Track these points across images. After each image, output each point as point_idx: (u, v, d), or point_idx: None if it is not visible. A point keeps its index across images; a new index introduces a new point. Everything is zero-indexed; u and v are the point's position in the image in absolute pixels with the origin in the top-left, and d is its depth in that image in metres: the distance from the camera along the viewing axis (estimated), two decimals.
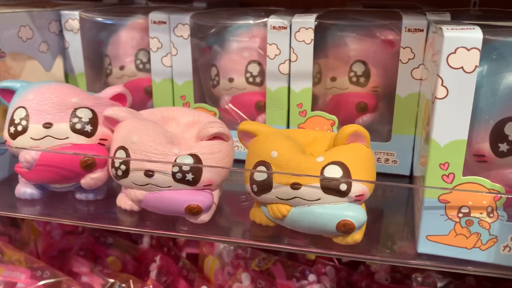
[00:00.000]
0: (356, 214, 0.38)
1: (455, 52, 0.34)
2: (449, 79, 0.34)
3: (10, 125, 0.45)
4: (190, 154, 0.41)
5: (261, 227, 0.44)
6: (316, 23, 0.51)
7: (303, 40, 0.52)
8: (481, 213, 0.36)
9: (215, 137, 0.43)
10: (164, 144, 0.41)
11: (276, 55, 0.53)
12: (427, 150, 0.37)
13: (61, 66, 0.60)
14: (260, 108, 0.57)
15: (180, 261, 0.74)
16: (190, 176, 0.41)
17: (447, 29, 0.35)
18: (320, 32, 0.52)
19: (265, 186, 0.39)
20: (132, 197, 0.42)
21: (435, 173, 0.37)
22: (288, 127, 0.56)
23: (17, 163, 0.45)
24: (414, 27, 0.49)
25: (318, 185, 0.37)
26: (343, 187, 0.37)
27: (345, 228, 0.38)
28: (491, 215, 0.36)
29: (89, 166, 0.44)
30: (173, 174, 0.40)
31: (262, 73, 0.57)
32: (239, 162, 0.47)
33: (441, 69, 0.34)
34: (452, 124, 0.35)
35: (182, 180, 0.41)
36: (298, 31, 0.52)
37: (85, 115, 0.45)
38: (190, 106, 0.58)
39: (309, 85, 0.53)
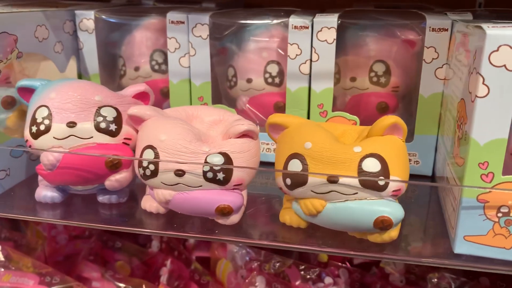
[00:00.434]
0: (394, 210, 0.37)
1: (497, 50, 0.33)
2: (491, 77, 0.34)
3: (31, 125, 0.43)
4: (220, 153, 0.40)
5: (289, 229, 0.43)
6: (339, 22, 0.51)
7: (325, 40, 0.51)
8: None
9: (244, 135, 0.42)
10: (194, 142, 0.40)
11: (297, 55, 0.53)
12: (465, 149, 0.37)
13: (74, 67, 0.59)
14: (279, 109, 0.56)
15: (191, 265, 0.73)
16: (221, 175, 0.40)
17: (488, 27, 0.34)
18: (339, 32, 0.52)
19: (300, 180, 0.38)
20: (160, 197, 0.41)
21: (474, 172, 0.36)
22: None
23: (37, 164, 0.44)
24: (438, 26, 0.49)
25: (356, 178, 0.37)
26: (381, 181, 0.37)
27: (383, 224, 0.37)
28: None
29: (114, 166, 0.42)
30: (204, 173, 0.40)
31: (281, 73, 0.56)
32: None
33: (482, 67, 0.34)
34: (492, 123, 0.35)
35: (213, 180, 0.40)
36: (320, 30, 0.51)
37: (110, 114, 0.44)
38: None
39: (331, 85, 0.53)
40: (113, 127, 0.43)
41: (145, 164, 0.40)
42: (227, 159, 0.40)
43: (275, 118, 0.43)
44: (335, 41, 0.51)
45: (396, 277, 0.69)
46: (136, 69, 0.60)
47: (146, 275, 0.74)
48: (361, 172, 0.37)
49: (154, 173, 0.40)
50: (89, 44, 0.59)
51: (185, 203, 0.41)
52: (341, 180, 0.37)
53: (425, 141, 0.53)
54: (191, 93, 0.58)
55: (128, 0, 0.75)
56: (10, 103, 0.49)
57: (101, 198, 0.46)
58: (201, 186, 0.40)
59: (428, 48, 0.50)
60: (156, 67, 0.60)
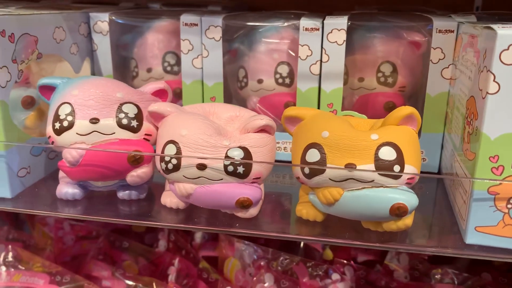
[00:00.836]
0: (409, 198, 0.38)
1: (508, 49, 0.35)
2: (502, 75, 0.36)
3: (55, 121, 0.44)
4: (240, 147, 0.42)
5: (306, 223, 0.44)
6: (348, 24, 0.53)
7: (335, 41, 0.53)
8: None
9: (261, 130, 0.43)
10: (214, 136, 0.42)
11: (307, 56, 0.55)
12: (476, 144, 0.39)
13: (88, 68, 0.60)
14: None
15: (199, 264, 0.74)
16: (241, 169, 0.41)
17: (498, 27, 0.36)
18: (348, 33, 0.54)
19: (318, 169, 0.40)
20: (182, 191, 0.42)
21: (485, 166, 0.38)
22: None
23: (55, 163, 0.45)
24: (445, 28, 0.51)
25: (373, 165, 0.38)
26: (396, 169, 0.38)
27: (399, 211, 0.38)
28: None
29: (136, 161, 0.44)
30: (225, 167, 0.41)
31: (291, 74, 0.58)
32: None
33: (493, 66, 0.36)
34: (503, 118, 0.37)
35: (233, 173, 0.41)
36: (331, 32, 0.53)
37: (131, 110, 0.45)
38: None
39: (340, 85, 0.55)
40: (134, 123, 0.45)
41: (167, 158, 0.42)
42: (247, 153, 0.42)
43: (291, 111, 0.44)
44: (345, 42, 0.53)
45: (400, 273, 0.71)
46: (149, 70, 0.62)
47: (153, 274, 0.75)
48: (377, 160, 0.38)
49: (177, 167, 0.41)
50: (103, 45, 0.60)
51: (206, 196, 0.42)
52: (359, 167, 0.38)
53: (432, 139, 0.55)
54: (204, 93, 0.59)
55: (136, 4, 0.77)
56: (30, 103, 0.50)
57: (121, 194, 0.47)
58: (221, 179, 0.42)
59: (435, 49, 0.52)
60: (168, 68, 0.62)
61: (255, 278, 0.68)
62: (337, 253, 0.74)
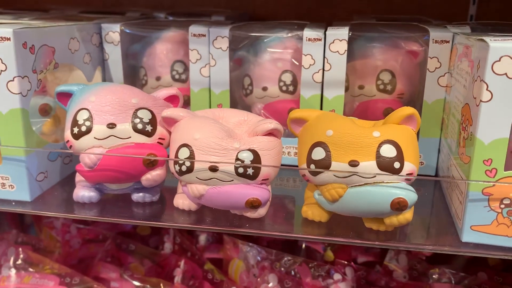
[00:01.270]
0: (408, 192, 0.41)
1: (499, 60, 0.38)
2: (494, 84, 0.39)
3: (73, 126, 0.46)
4: (250, 150, 0.44)
5: (310, 223, 0.47)
6: (350, 34, 0.55)
7: (337, 51, 0.56)
8: None
9: (269, 133, 0.46)
10: (226, 139, 0.44)
11: (310, 64, 0.57)
12: (471, 148, 0.41)
13: (99, 77, 0.63)
14: None
15: (204, 265, 0.76)
16: (250, 170, 0.43)
17: (491, 40, 0.39)
18: (349, 43, 0.56)
19: (323, 165, 0.42)
20: (195, 192, 0.45)
21: (479, 168, 0.41)
22: None
23: (71, 167, 0.47)
24: (441, 39, 0.54)
25: (375, 162, 0.40)
26: (396, 165, 0.41)
27: (399, 205, 0.40)
28: None
29: (151, 164, 0.46)
30: (236, 169, 0.43)
31: (294, 82, 0.61)
32: None
33: (486, 75, 0.39)
34: (495, 124, 0.40)
35: (243, 174, 0.43)
36: (333, 42, 0.56)
37: (146, 115, 0.47)
38: None
39: (341, 92, 0.57)
40: (149, 128, 0.47)
41: (181, 160, 0.44)
42: (256, 155, 0.44)
43: (296, 113, 0.46)
44: (346, 52, 0.56)
45: (399, 273, 0.73)
46: (158, 78, 0.64)
47: (159, 276, 0.76)
48: (379, 157, 0.41)
49: (190, 169, 0.44)
50: (114, 55, 0.63)
51: (217, 197, 0.45)
52: (361, 164, 0.41)
53: (429, 143, 0.58)
54: (211, 100, 0.62)
55: (142, 13, 0.80)
56: (46, 111, 0.53)
57: (135, 197, 0.50)
58: (232, 180, 0.44)
59: (431, 58, 0.55)
60: (177, 76, 0.64)
61: (259, 279, 0.70)
62: (338, 254, 0.76)
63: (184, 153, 0.44)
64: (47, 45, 0.50)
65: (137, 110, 0.47)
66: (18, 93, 0.47)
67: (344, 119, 0.44)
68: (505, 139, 0.40)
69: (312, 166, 0.43)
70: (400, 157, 0.41)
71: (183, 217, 0.48)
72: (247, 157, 0.44)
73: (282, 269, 0.71)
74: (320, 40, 0.56)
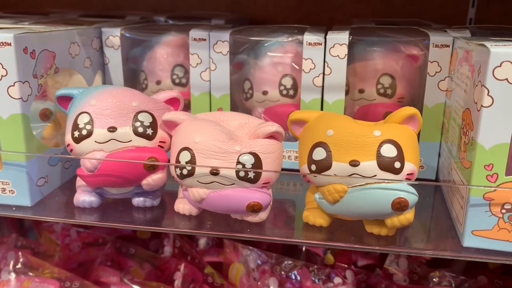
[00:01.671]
0: (409, 192, 0.41)
1: (500, 66, 0.38)
2: (495, 90, 0.39)
3: (74, 130, 0.46)
4: (251, 153, 0.44)
5: (311, 228, 0.47)
6: (350, 39, 0.56)
7: (337, 55, 0.56)
8: None
9: (270, 136, 0.45)
10: (227, 141, 0.44)
11: (311, 69, 0.57)
12: (472, 153, 0.41)
13: (100, 81, 0.63)
14: None
15: (204, 269, 0.76)
16: (251, 174, 0.43)
17: (491, 45, 0.39)
18: (349, 47, 0.56)
19: (324, 165, 0.42)
20: (196, 195, 0.44)
21: (480, 173, 0.41)
22: None
23: (71, 172, 0.47)
24: (441, 43, 0.54)
25: (375, 162, 0.41)
26: (397, 164, 0.41)
27: (400, 205, 0.40)
28: None
29: (152, 167, 0.46)
30: (237, 172, 0.43)
31: (294, 86, 0.61)
32: None
33: (487, 81, 0.39)
34: (496, 129, 0.40)
35: (244, 178, 0.43)
36: (333, 46, 0.56)
37: (146, 119, 0.47)
38: None
39: (342, 96, 0.57)
40: (149, 131, 0.47)
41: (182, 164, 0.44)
42: (257, 158, 0.44)
43: (296, 114, 0.47)
44: (346, 56, 0.56)
45: (400, 277, 0.73)
46: (158, 82, 0.64)
47: (159, 280, 0.77)
48: (379, 156, 0.41)
49: (191, 173, 0.44)
50: (114, 59, 0.63)
51: (218, 201, 0.44)
52: (362, 164, 0.41)
53: (429, 147, 0.58)
54: (211, 105, 0.62)
55: (142, 17, 0.80)
56: (47, 116, 0.53)
57: (136, 202, 0.50)
58: (233, 184, 0.44)
59: (431, 62, 0.55)
60: (177, 80, 0.64)
61: (259, 282, 0.70)
62: (338, 258, 0.76)
63: (185, 156, 0.44)
64: (48, 50, 0.50)
65: (137, 113, 0.47)
66: (19, 98, 0.47)
67: (345, 118, 0.44)
68: (506, 144, 0.40)
69: (313, 167, 0.43)
70: (400, 157, 0.41)
71: (183, 222, 0.48)
72: (248, 160, 0.44)
73: (283, 272, 0.71)
74: (320, 44, 0.56)
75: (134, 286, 0.72)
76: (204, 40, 0.59)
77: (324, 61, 0.57)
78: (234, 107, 0.64)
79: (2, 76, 0.46)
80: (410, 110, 0.43)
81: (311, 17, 0.86)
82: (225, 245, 0.77)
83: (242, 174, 0.43)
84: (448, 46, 0.54)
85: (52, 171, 0.53)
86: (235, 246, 0.75)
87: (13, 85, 0.46)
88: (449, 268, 0.73)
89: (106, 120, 0.46)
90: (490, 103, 0.39)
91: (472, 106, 0.42)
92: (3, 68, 0.46)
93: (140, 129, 0.47)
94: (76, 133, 0.46)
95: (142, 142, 0.47)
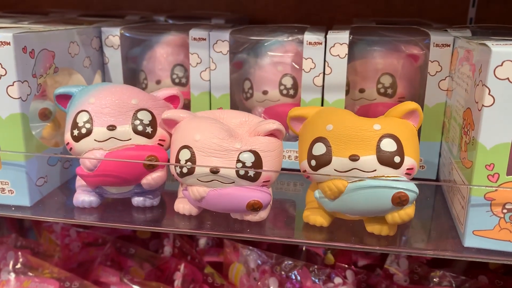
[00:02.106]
0: (409, 187, 0.40)
1: (501, 65, 0.38)
2: (496, 89, 0.39)
3: (73, 128, 0.46)
4: (251, 151, 0.43)
5: (311, 228, 0.47)
6: (350, 38, 0.55)
7: (338, 55, 0.56)
8: None
9: (270, 134, 0.45)
10: (227, 139, 0.43)
11: (311, 68, 0.57)
12: (473, 153, 0.41)
13: (99, 81, 0.63)
14: None
15: (204, 269, 0.76)
16: (251, 172, 0.43)
17: (493, 44, 0.39)
18: (349, 47, 0.56)
19: (324, 160, 0.42)
20: (196, 194, 0.44)
21: (481, 173, 0.41)
22: None
23: (70, 172, 0.47)
24: (442, 42, 0.54)
25: (375, 156, 0.40)
26: (397, 159, 0.40)
27: (400, 200, 0.40)
28: None
29: (151, 166, 0.46)
30: (237, 170, 0.43)
31: (295, 85, 0.60)
32: None
33: (488, 80, 0.39)
34: (498, 129, 0.39)
35: (244, 176, 0.43)
36: (333, 46, 0.56)
37: (146, 117, 0.47)
38: None
39: (342, 96, 0.57)
40: (149, 129, 0.47)
41: (182, 162, 0.44)
42: (257, 156, 0.44)
43: (296, 111, 0.46)
44: (346, 56, 0.56)
45: (400, 277, 0.73)
46: (158, 82, 0.64)
47: (159, 280, 0.76)
48: (379, 151, 0.41)
49: (191, 171, 0.43)
50: (114, 59, 0.63)
51: (218, 199, 0.44)
52: (362, 158, 0.40)
53: (430, 147, 0.57)
54: (211, 104, 0.61)
55: (141, 16, 0.79)
56: (46, 115, 0.52)
57: (136, 201, 0.49)
58: (233, 182, 0.44)
59: (432, 62, 0.55)
60: (177, 80, 0.64)
61: (259, 283, 0.70)
62: (338, 258, 0.76)
63: (185, 154, 0.44)
64: (47, 49, 0.50)
65: (137, 111, 0.47)
66: (18, 98, 0.47)
67: (345, 112, 0.44)
68: (507, 144, 0.40)
69: (313, 162, 0.42)
70: (400, 151, 0.41)
71: (183, 222, 0.48)
72: (248, 158, 0.43)
73: (283, 272, 0.71)
74: (320, 43, 0.56)
75: (134, 286, 0.72)
76: (204, 39, 0.59)
77: (325, 60, 0.57)
78: (234, 107, 0.63)
79: (1, 75, 0.46)
80: (411, 105, 0.43)
81: (311, 17, 0.85)
82: (225, 245, 0.77)
83: (242, 172, 0.43)
84: (448, 45, 0.54)
85: (52, 171, 0.53)
86: (235, 246, 0.75)
87: (12, 85, 0.46)
88: (450, 268, 0.73)
89: (105, 118, 0.46)
90: (491, 103, 0.39)
91: (473, 106, 0.42)
92: (2, 67, 0.46)
93: (140, 127, 0.47)
94: (76, 132, 0.46)
95: (141, 140, 0.47)
